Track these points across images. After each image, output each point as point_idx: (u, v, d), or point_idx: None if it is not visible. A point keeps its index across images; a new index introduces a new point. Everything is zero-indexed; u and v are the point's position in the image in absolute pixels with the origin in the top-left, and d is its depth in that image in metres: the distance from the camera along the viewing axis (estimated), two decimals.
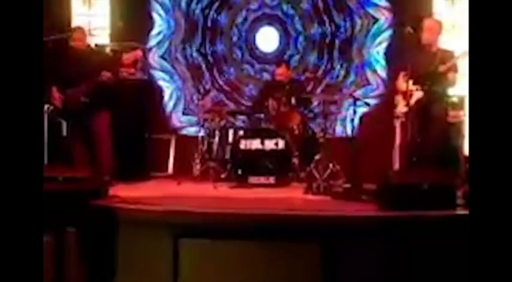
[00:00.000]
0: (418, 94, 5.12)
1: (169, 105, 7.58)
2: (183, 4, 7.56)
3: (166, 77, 7.59)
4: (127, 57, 5.48)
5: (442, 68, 5.06)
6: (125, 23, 6.54)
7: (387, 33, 7.22)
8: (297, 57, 7.49)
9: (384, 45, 7.25)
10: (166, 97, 7.56)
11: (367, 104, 6.29)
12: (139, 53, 5.54)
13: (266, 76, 7.44)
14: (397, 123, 5.82)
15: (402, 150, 5.71)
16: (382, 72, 7.25)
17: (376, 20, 7.28)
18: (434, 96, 5.15)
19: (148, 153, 6.81)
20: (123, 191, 4.80)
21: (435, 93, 5.16)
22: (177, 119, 7.58)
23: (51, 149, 5.95)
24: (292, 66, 7.03)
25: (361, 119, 6.10)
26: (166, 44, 7.56)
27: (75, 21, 6.95)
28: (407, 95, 5.12)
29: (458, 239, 3.58)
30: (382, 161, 6.15)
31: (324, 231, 3.76)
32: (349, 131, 6.51)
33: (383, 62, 7.26)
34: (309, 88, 7.12)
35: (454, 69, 5.10)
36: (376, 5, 7.28)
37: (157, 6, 7.52)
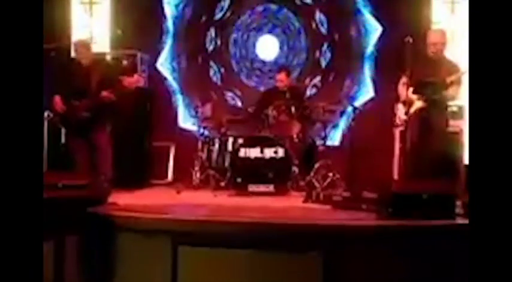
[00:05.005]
0: (418, 103, 5.13)
1: (169, 113, 7.58)
2: (188, 13, 7.58)
3: (167, 85, 7.60)
4: (129, 81, 5.50)
5: (448, 79, 5.07)
6: (124, 31, 6.55)
7: (380, 43, 7.25)
8: (296, 65, 7.50)
9: (376, 54, 7.28)
10: (166, 105, 7.56)
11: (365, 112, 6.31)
12: (140, 79, 5.62)
13: (266, 84, 7.45)
14: (397, 132, 5.83)
15: (402, 159, 5.71)
16: (378, 81, 7.27)
17: (372, 29, 7.31)
18: (434, 105, 5.15)
19: (148, 161, 6.81)
20: (122, 199, 4.78)
21: (435, 103, 5.16)
22: (177, 127, 7.58)
23: (51, 155, 5.98)
24: (291, 74, 7.04)
25: (354, 125, 6.12)
26: (167, 52, 7.57)
27: (76, 30, 6.98)
28: (407, 103, 5.13)
29: (458, 249, 3.57)
30: (381, 170, 6.14)
31: (323, 240, 3.75)
32: (347, 139, 6.51)
33: (376, 70, 7.29)
34: (308, 96, 7.13)
35: (458, 82, 5.11)
36: (371, 15, 7.30)
37: (163, 13, 7.53)
